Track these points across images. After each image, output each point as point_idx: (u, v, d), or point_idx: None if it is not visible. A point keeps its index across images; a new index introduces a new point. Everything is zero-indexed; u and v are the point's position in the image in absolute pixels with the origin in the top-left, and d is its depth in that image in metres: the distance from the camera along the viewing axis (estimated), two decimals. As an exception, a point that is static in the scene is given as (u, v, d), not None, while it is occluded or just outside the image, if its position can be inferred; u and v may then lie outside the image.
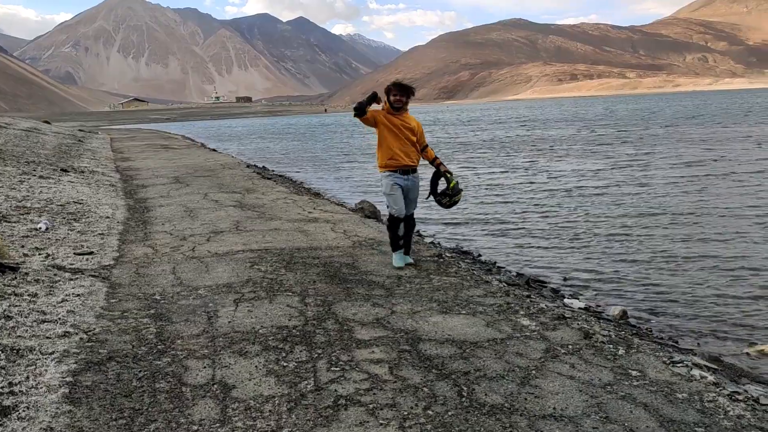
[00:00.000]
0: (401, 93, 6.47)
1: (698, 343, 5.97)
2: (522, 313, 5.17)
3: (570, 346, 4.39)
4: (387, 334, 4.65)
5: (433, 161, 6.77)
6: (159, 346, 4.46)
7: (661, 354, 4.63)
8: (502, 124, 57.48)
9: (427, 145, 6.80)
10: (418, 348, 4.36)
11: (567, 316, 5.16)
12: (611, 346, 4.44)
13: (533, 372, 3.93)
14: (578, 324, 5.01)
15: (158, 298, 5.64)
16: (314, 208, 10.74)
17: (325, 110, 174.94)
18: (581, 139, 32.89)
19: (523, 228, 11.36)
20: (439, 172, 6.72)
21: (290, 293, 5.71)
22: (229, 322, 4.97)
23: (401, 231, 6.73)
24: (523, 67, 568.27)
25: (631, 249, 9.40)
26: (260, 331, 4.75)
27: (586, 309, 6.74)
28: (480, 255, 9.22)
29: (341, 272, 6.44)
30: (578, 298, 7.17)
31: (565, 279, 8.23)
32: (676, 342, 5.93)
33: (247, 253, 7.31)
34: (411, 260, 6.92)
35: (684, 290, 7.45)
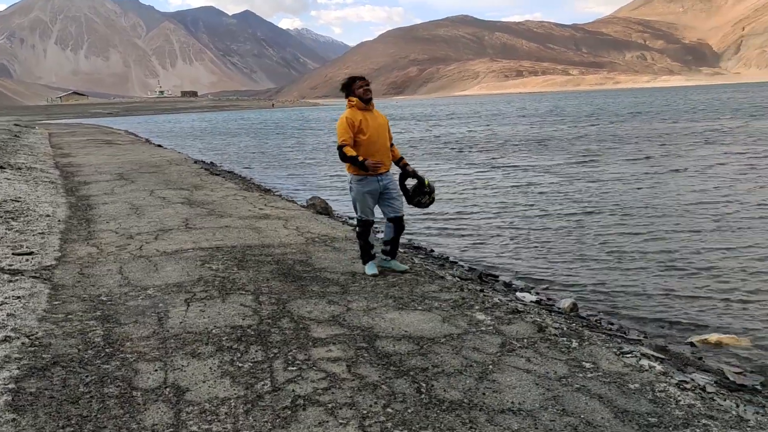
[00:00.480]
0: (367, 82, 5.99)
1: (645, 334, 6.11)
2: (477, 307, 5.20)
3: (525, 340, 4.43)
4: (343, 331, 4.60)
5: (399, 161, 6.27)
6: (107, 350, 4.31)
7: (611, 345, 4.73)
8: (455, 119, 57.99)
9: (393, 143, 6.26)
10: (376, 345, 4.34)
11: (520, 309, 5.21)
12: (564, 339, 4.51)
13: (490, 367, 3.96)
14: (532, 317, 5.07)
15: (105, 299, 5.46)
16: (265, 205, 10.59)
17: (273, 105, 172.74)
18: (534, 136, 33.45)
19: (475, 223, 11.46)
20: (407, 173, 6.26)
21: (243, 292, 5.60)
22: (181, 322, 4.84)
23: (389, 235, 6.30)
24: (470, 63, 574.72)
25: (580, 243, 9.58)
26: (213, 331, 4.64)
27: (538, 302, 6.84)
28: (432, 250, 9.26)
29: (295, 270, 6.36)
30: (530, 292, 7.26)
31: (516, 273, 8.33)
32: (625, 333, 6.07)
33: (198, 252, 7.15)
34: (404, 266, 6.42)
35: (631, 283, 7.63)
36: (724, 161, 18.52)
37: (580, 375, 3.86)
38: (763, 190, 13.47)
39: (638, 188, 14.48)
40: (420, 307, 5.18)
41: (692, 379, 4.43)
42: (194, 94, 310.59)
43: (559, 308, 6.81)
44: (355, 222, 6.59)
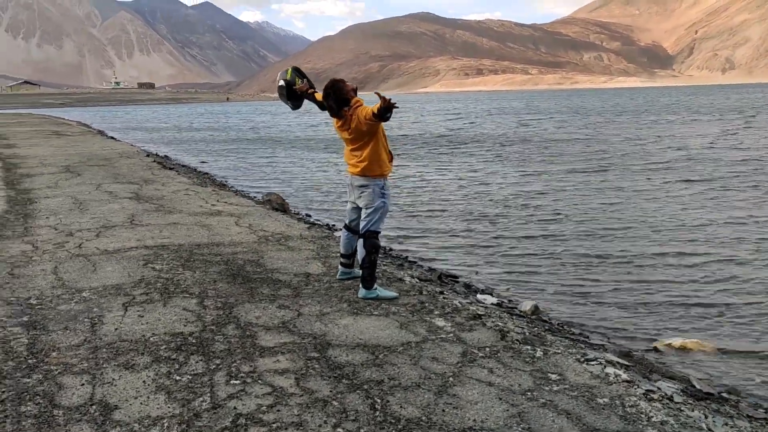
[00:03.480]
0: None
1: (608, 338, 5.94)
2: (437, 312, 4.92)
3: (487, 349, 4.17)
4: (293, 339, 4.27)
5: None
6: (30, 361, 3.89)
7: (574, 351, 4.51)
8: (418, 117, 57.90)
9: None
10: (328, 355, 4.02)
11: (481, 314, 4.96)
12: (528, 347, 4.26)
13: (451, 379, 3.68)
14: (493, 322, 4.82)
15: (34, 302, 5.01)
16: (218, 201, 10.15)
17: (228, 98, 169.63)
18: (502, 136, 33.51)
19: (436, 222, 11.23)
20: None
21: (187, 295, 5.21)
22: (116, 329, 4.44)
23: (352, 247, 5.60)
24: (431, 60, 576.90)
25: (541, 245, 9.42)
26: (151, 339, 4.25)
27: (499, 305, 6.61)
28: (391, 249, 8.97)
29: (245, 270, 5.99)
30: (491, 294, 7.04)
31: (477, 274, 8.11)
32: (587, 337, 5.89)
33: (141, 250, 6.71)
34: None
35: (593, 287, 7.48)
36: (692, 167, 18.61)
37: (546, 388, 3.61)
38: (724, 197, 13.58)
39: (601, 194, 14.40)
40: (376, 312, 4.88)
41: (659, 388, 4.23)
42: (151, 86, 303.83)
43: (521, 311, 6.60)
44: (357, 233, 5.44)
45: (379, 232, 5.29)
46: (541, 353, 4.15)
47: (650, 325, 6.25)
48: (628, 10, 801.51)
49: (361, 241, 5.24)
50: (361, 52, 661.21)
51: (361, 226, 5.28)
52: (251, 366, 3.82)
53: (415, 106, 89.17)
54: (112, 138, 29.21)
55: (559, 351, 4.32)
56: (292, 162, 21.89)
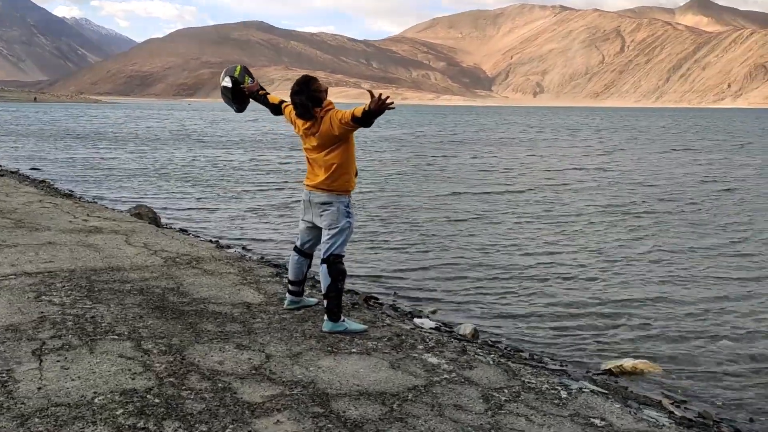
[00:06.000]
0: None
1: (561, 363, 5.76)
2: (420, 347, 4.40)
3: (506, 391, 3.72)
4: (281, 390, 3.54)
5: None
6: (-66, 446, 2.82)
7: (554, 380, 4.23)
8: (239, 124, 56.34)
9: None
10: (333, 409, 3.36)
11: (468, 349, 4.52)
12: (545, 385, 3.90)
13: None
14: (492, 358, 4.39)
15: None
16: (88, 215, 8.78)
17: (35, 99, 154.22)
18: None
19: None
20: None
21: (115, 336, 4.22)
22: (40, 388, 3.42)
23: (301, 274, 5.04)
24: (265, 69, 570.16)
25: (452, 258, 9.18)
26: (96, 401, 3.31)
27: (437, 329, 6.22)
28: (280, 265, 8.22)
29: (170, 301, 5.05)
30: (428, 317, 6.63)
31: (395, 294, 7.66)
32: (543, 362, 5.67)
33: (23, 278, 5.47)
34: (314, 300, 5.21)
35: (515, 303, 7.33)
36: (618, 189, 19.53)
37: (596, 435, 3.25)
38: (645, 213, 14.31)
39: (524, 210, 14.51)
40: (354, 350, 4.25)
41: (650, 417, 4.07)
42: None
43: (460, 335, 6.26)
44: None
45: (343, 256, 4.67)
46: (566, 393, 3.79)
47: (594, 347, 6.17)
48: (452, 33, 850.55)
49: (324, 267, 4.58)
50: (192, 57, 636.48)
51: (322, 250, 4.63)
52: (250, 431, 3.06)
53: (237, 116, 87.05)
54: None
55: (577, 388, 4.00)
56: (139, 169, 20.05)
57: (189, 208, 12.92)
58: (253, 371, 3.78)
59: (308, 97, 4.41)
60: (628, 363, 5.77)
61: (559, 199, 15.17)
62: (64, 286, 5.28)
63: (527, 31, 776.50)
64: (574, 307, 7.18)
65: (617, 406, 3.74)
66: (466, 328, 6.42)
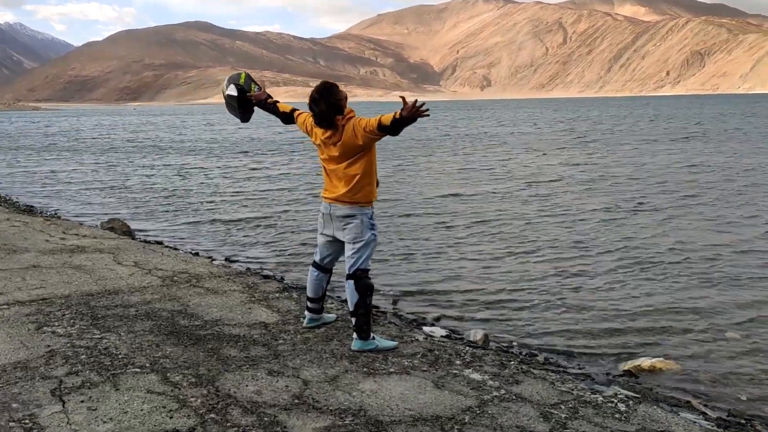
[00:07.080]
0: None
1: (578, 366, 5.69)
2: (458, 362, 4.26)
3: (563, 407, 3.61)
4: (332, 420, 3.35)
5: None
6: None
7: (582, 385, 4.16)
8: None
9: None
10: (394, 437, 3.19)
11: (505, 362, 4.40)
12: (599, 397, 3.80)
13: (565, 451, 3.08)
14: (536, 373, 4.25)
15: None
16: (64, 233, 8.35)
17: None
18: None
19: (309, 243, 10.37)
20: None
21: (137, 369, 3.95)
22: (72, 435, 3.15)
23: (321, 290, 4.84)
24: (210, 70, 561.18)
25: (448, 261, 9.03)
26: (140, 445, 3.06)
27: (448, 337, 6.10)
28: (282, 278, 7.98)
29: (181, 325, 4.79)
30: (434, 325, 6.50)
31: (394, 302, 7.48)
32: (566, 368, 5.58)
33: (17, 308, 5.11)
34: (333, 316, 5.13)
35: (521, 305, 7.24)
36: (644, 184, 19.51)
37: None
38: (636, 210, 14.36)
39: (521, 201, 14.44)
40: (392, 369, 4.08)
41: (687, 420, 4.03)
42: None
43: (472, 341, 6.14)
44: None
45: (369, 269, 4.49)
46: (624, 406, 3.70)
47: (605, 343, 6.13)
48: (398, 29, 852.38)
49: (350, 282, 4.40)
50: (134, 60, 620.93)
51: (347, 265, 4.43)
52: (316, 469, 2.87)
53: (200, 118, 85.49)
54: None
55: (647, 402, 3.91)
56: (94, 180, 19.34)
57: (160, 220, 12.46)
58: (296, 400, 3.58)
59: (329, 105, 4.21)
60: (645, 362, 5.73)
61: (555, 197, 14.77)
62: (64, 315, 4.95)
63: (472, 24, 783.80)
64: (581, 308, 7.12)
65: (680, 416, 3.67)
66: (476, 335, 6.29)
